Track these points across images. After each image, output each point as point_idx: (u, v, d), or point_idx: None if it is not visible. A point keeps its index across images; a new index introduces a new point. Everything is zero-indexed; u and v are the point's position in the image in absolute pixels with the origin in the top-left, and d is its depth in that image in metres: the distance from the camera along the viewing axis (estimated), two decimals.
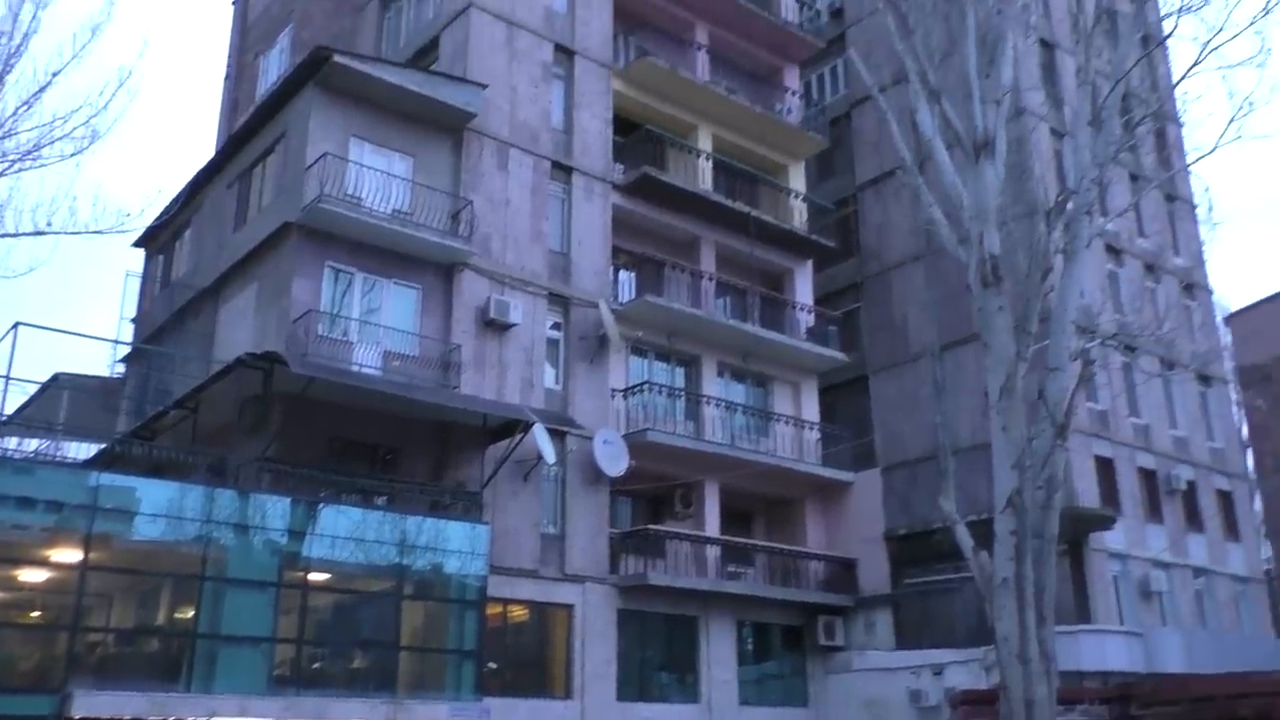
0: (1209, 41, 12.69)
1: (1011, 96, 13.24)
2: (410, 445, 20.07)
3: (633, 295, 24.61)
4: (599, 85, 24.95)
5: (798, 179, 29.32)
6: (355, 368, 19.15)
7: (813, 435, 26.95)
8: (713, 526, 24.39)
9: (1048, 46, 30.03)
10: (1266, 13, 12.76)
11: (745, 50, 29.16)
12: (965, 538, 11.69)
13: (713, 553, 24.02)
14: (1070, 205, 12.81)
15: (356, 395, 18.42)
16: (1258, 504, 37.30)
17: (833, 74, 33.52)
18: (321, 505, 17.29)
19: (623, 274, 25.18)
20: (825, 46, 30.80)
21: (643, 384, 23.98)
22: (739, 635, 24.22)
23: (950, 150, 12.98)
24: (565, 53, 24.56)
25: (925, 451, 26.30)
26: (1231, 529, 30.85)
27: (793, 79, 30.25)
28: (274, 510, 16.77)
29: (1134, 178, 30.73)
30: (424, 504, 19.01)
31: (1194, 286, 33.05)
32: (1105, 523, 25.09)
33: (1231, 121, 13.08)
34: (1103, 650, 21.65)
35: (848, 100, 32.24)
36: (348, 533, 17.34)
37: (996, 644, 10.77)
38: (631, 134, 25.66)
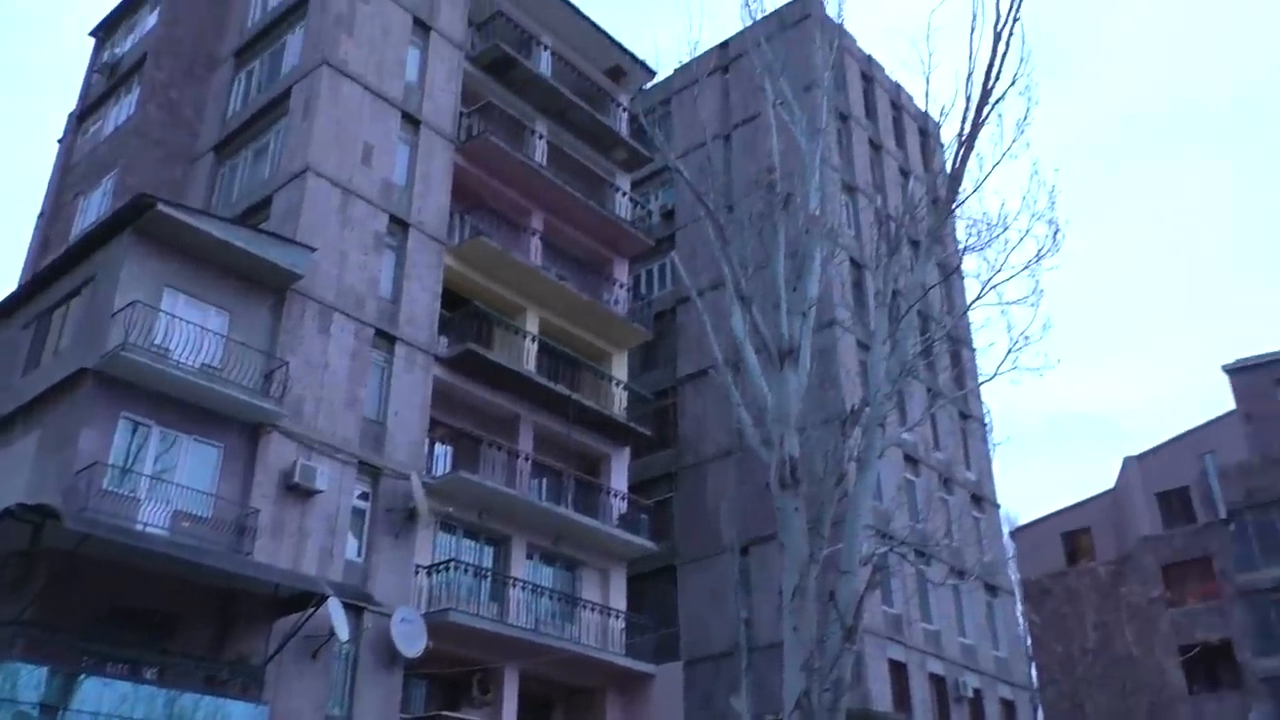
0: (989, 280, 13.98)
1: (817, 309, 14.13)
2: (191, 613, 18.75)
3: (448, 469, 24.26)
4: (431, 259, 25.24)
5: (620, 367, 30.06)
6: (139, 527, 17.97)
7: (618, 624, 26.66)
8: (510, 714, 23.49)
9: (857, 266, 32.38)
10: (1038, 259, 14.19)
11: (578, 240, 30.23)
12: None
13: None
14: (865, 416, 13.53)
15: (136, 556, 17.22)
16: (1040, 715, 38.67)
17: (661, 271, 35.07)
18: (83, 676, 15.82)
19: (439, 448, 24.86)
20: (655, 244, 32.27)
21: (448, 561, 23.36)
22: None
23: (759, 355, 13.66)
24: (400, 224, 24.84)
25: (729, 646, 26.35)
26: None
27: (622, 272, 31.42)
28: (27, 680, 15.23)
29: (931, 393, 32.92)
30: (199, 678, 17.66)
31: (982, 500, 35.10)
32: None
33: (1009, 353, 14.21)
34: None
35: (674, 296, 33.70)
36: (112, 708, 15.85)
37: None
38: (459, 309, 25.91)
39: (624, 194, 32.25)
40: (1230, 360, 42.94)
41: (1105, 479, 46.94)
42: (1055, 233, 14.00)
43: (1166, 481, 43.11)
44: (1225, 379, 42.79)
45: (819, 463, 13.36)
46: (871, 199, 34.65)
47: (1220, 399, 42.94)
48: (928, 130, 37.76)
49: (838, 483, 12.95)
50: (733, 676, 25.17)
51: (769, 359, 13.44)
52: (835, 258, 27.64)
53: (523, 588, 24.78)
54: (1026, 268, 14.13)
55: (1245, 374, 42.36)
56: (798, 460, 12.65)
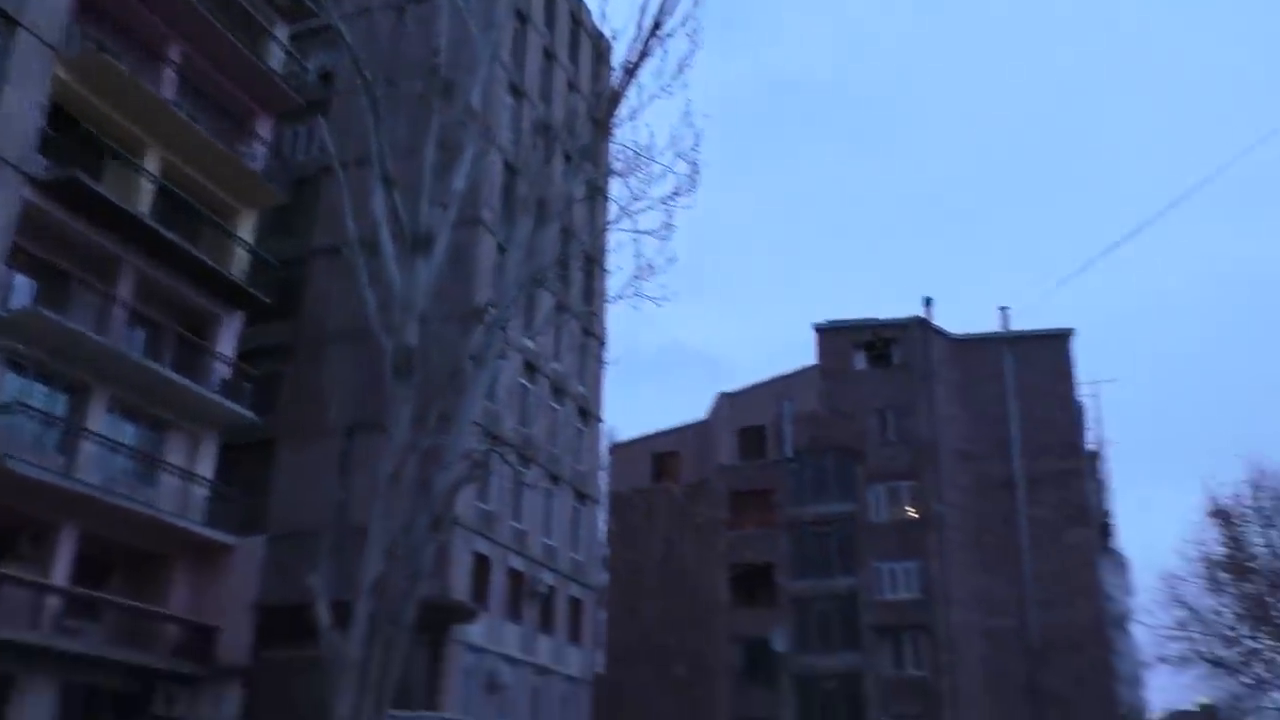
0: (628, 206, 14.60)
1: (462, 205, 14.08)
2: None
3: (28, 303, 21.75)
4: (39, 65, 22.20)
5: (248, 228, 28.26)
6: None
7: (201, 492, 25.47)
8: (61, 574, 21.83)
9: (510, 170, 32.51)
10: (675, 196, 15.00)
11: (221, 85, 27.84)
12: (324, 615, 11.71)
13: (53, 604, 21.42)
14: (491, 316, 13.76)
15: None
16: (602, 615, 41.91)
17: (309, 135, 33.18)
18: None
19: (19, 278, 22.20)
20: (306, 106, 30.41)
21: (11, 403, 21.09)
22: (64, 701, 21.63)
23: (395, 240, 13.42)
24: (7, 19, 21.60)
25: (319, 525, 26.07)
26: (575, 634, 34.27)
27: (265, 128, 29.39)
28: None
29: (559, 306, 33.97)
30: None
31: (589, 413, 37.00)
32: (468, 616, 26.54)
33: (635, 279, 14.96)
34: None
35: (318, 164, 32.06)
36: None
37: None
38: (69, 132, 23.08)
39: (280, 44, 30.04)
40: (820, 320, 47.99)
41: (699, 410, 51.13)
42: (693, 174, 14.82)
43: (749, 419, 47.66)
44: (813, 336, 47.78)
45: (436, 355, 13.44)
46: (535, 106, 34.81)
47: (807, 353, 47.88)
48: (601, 51, 38.42)
49: (452, 377, 13.11)
50: (318, 555, 24.97)
51: (404, 246, 13.26)
52: (488, 156, 27.59)
53: (97, 442, 22.95)
54: (663, 201, 14.89)
55: (829, 334, 47.55)
56: (415, 350, 12.67)
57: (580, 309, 36.17)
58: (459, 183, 13.62)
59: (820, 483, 45.26)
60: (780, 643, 42.27)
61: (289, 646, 24.54)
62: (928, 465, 43.92)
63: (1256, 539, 38.47)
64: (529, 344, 31.60)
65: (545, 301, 30.92)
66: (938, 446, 44.29)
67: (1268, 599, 37.50)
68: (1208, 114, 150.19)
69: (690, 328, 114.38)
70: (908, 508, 43.99)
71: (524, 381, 32.44)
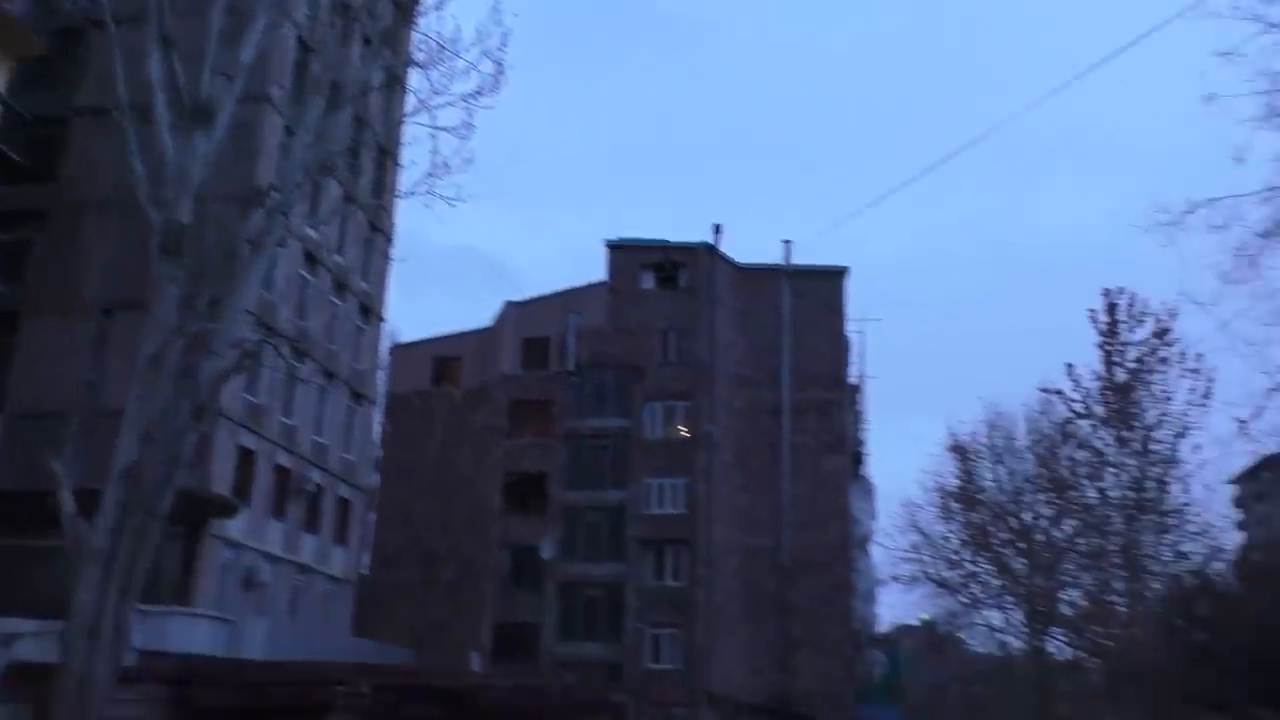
0: (424, 100, 14.08)
1: (250, 79, 13.19)
2: None
3: None
4: None
5: (0, 78, 25.44)
6: None
7: None
8: None
9: (305, 48, 30.67)
10: (477, 94, 14.57)
11: None
12: (69, 502, 11.02)
13: None
14: (273, 200, 13.06)
15: None
16: (371, 517, 41.42)
17: None
18: None
19: None
20: None
21: None
22: None
23: (172, 108, 12.46)
24: None
25: (70, 407, 24.38)
26: (342, 535, 33.78)
27: None
28: None
29: (346, 197, 32.64)
30: None
31: (370, 311, 36.01)
32: (228, 511, 25.66)
33: (429, 176, 14.50)
34: (192, 633, 21.91)
35: (89, 16, 29.15)
36: None
37: (70, 617, 10.28)
38: None
39: None
40: (612, 237, 48.29)
41: (485, 317, 50.71)
42: (498, 74, 14.42)
43: (534, 330, 47.71)
44: (604, 252, 48.09)
45: (210, 236, 12.67)
46: None
47: (597, 268, 48.16)
48: None
49: (226, 261, 12.41)
50: (63, 438, 23.39)
51: (181, 115, 12.34)
52: (281, 29, 25.91)
53: None
54: (464, 99, 14.44)
55: (620, 252, 47.97)
56: (187, 228, 11.90)
57: (368, 202, 34.89)
58: (247, 54, 12.75)
59: (600, 397, 46.06)
60: (548, 550, 43.19)
61: (26, 534, 23.03)
62: (704, 387, 45.41)
63: (986, 474, 42.12)
64: (312, 234, 30.30)
65: (332, 190, 29.62)
66: (715, 370, 45.82)
67: (990, 528, 41.25)
68: (991, 78, 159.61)
69: (481, 233, 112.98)
70: (681, 427, 45.46)
71: (304, 273, 31.15)
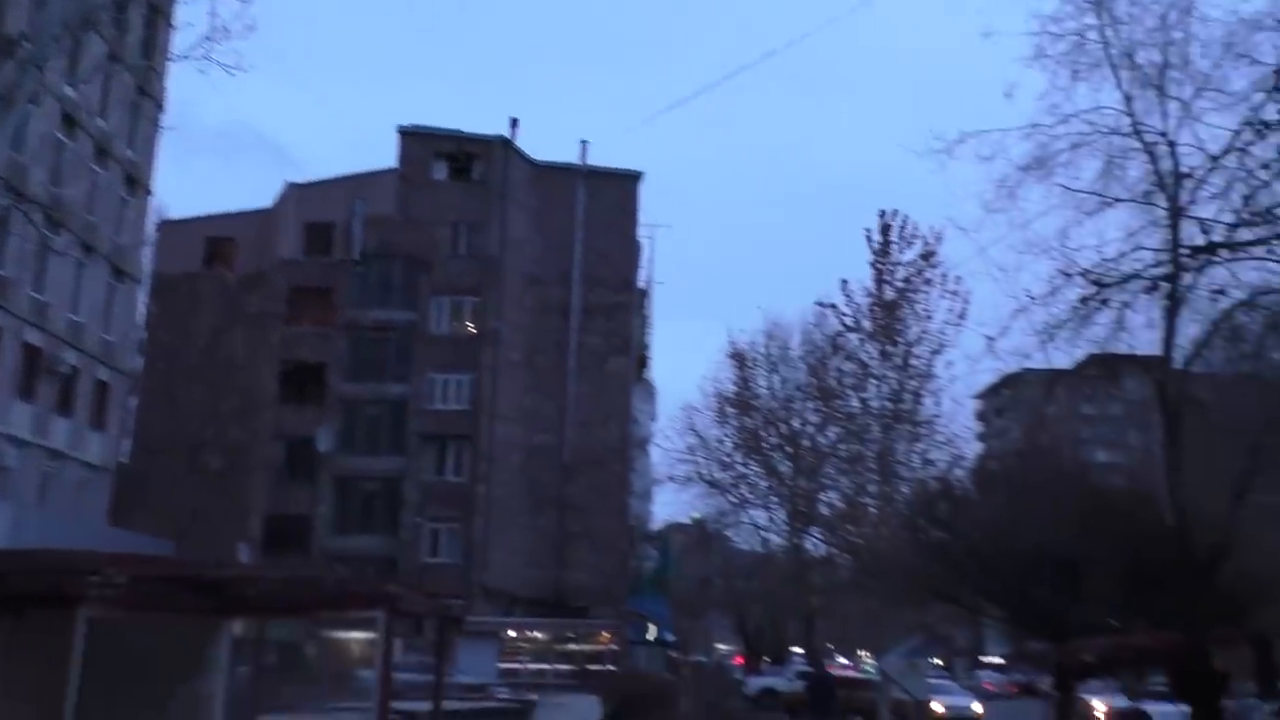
0: None
1: None
2: None
3: None
4: None
5: None
6: None
7: None
8: None
9: None
10: None
11: None
12: None
13: None
14: (25, 51, 11.82)
15: None
16: (133, 401, 39.11)
17: None
18: None
19: None
20: None
21: None
22: None
23: None
24: None
25: None
26: (99, 419, 31.81)
27: None
28: None
29: (115, 58, 29.92)
30: None
31: (136, 182, 33.47)
32: None
33: (206, 40, 13.43)
34: None
35: None
36: None
37: None
38: None
39: None
40: (404, 123, 46.56)
41: (263, 198, 48.02)
42: None
43: (317, 214, 45.69)
44: (395, 138, 46.38)
45: None
46: None
47: (386, 154, 46.41)
48: None
49: None
50: None
51: None
52: None
53: None
54: None
55: (412, 139, 46.35)
56: None
57: (137, 63, 32.10)
58: None
59: (385, 288, 44.91)
60: (325, 442, 42.19)
61: None
62: (493, 284, 44.97)
63: (761, 381, 44.13)
64: (70, 93, 27.67)
65: (95, 47, 27.08)
66: (505, 267, 45.42)
67: (761, 433, 43.39)
68: None
69: (263, 109, 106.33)
70: (468, 323, 45.01)
71: (61, 135, 28.51)
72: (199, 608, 8.60)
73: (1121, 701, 31.08)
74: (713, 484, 46.04)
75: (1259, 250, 10.75)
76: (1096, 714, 28.70)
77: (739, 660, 65.48)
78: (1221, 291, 12.45)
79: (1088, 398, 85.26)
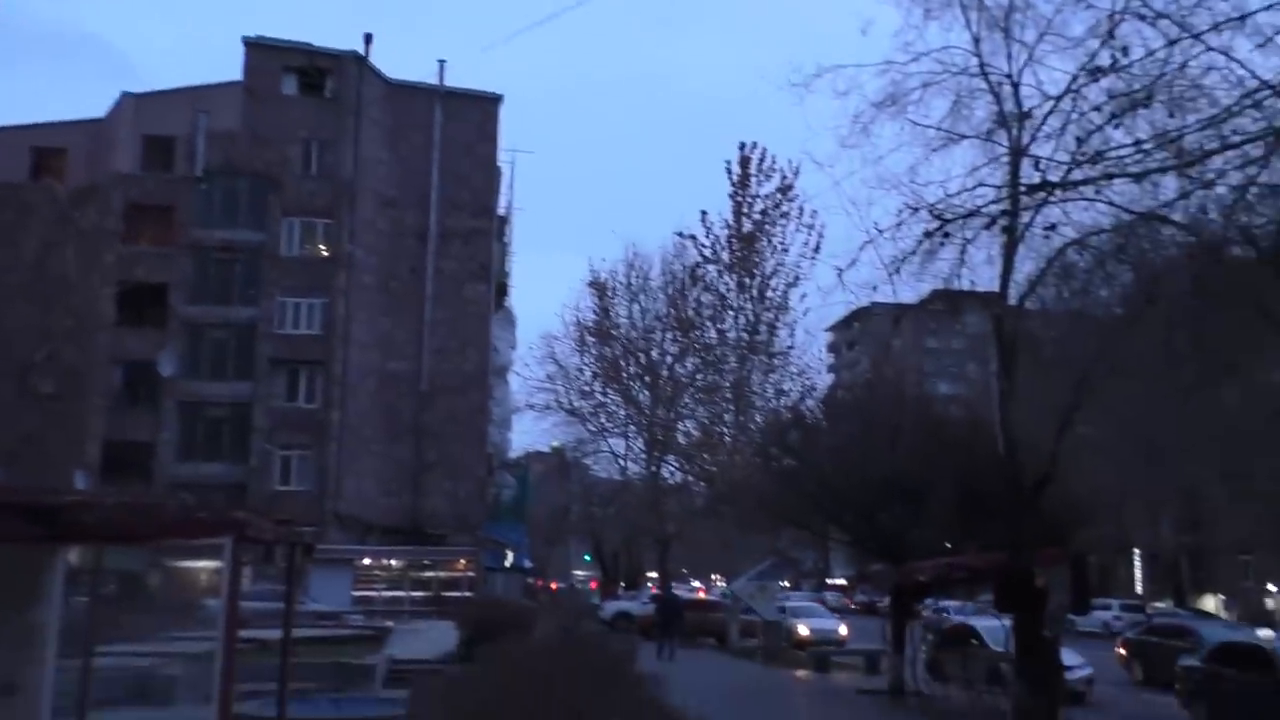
0: None
1: None
2: None
3: None
4: None
5: None
6: None
7: None
8: None
9: None
10: None
11: None
12: None
13: None
14: None
15: None
16: None
17: None
18: None
19: None
20: None
21: None
22: None
23: None
24: None
25: None
26: None
27: None
28: None
29: None
30: None
31: None
32: None
33: None
34: None
35: None
36: None
37: None
38: None
39: None
40: (250, 34, 44.24)
41: (96, 108, 45.08)
42: None
43: (158, 127, 43.22)
44: (241, 49, 44.05)
45: None
46: None
47: (232, 67, 44.07)
48: None
49: None
50: None
51: None
52: None
53: None
54: None
55: (259, 51, 44.11)
56: None
57: None
58: None
59: (231, 208, 43.04)
60: (168, 367, 40.43)
61: None
62: (346, 205, 43.58)
63: (622, 311, 44.40)
64: None
65: None
66: (359, 188, 44.04)
67: (621, 362, 43.80)
68: None
69: (98, 10, 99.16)
70: (321, 245, 43.61)
71: None
72: (31, 535, 8.19)
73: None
74: (572, 412, 46.37)
75: (1090, 191, 11.29)
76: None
77: (595, 585, 66.68)
78: (1054, 229, 13.03)
79: (932, 332, 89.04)
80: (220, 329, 42.33)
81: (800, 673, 25.97)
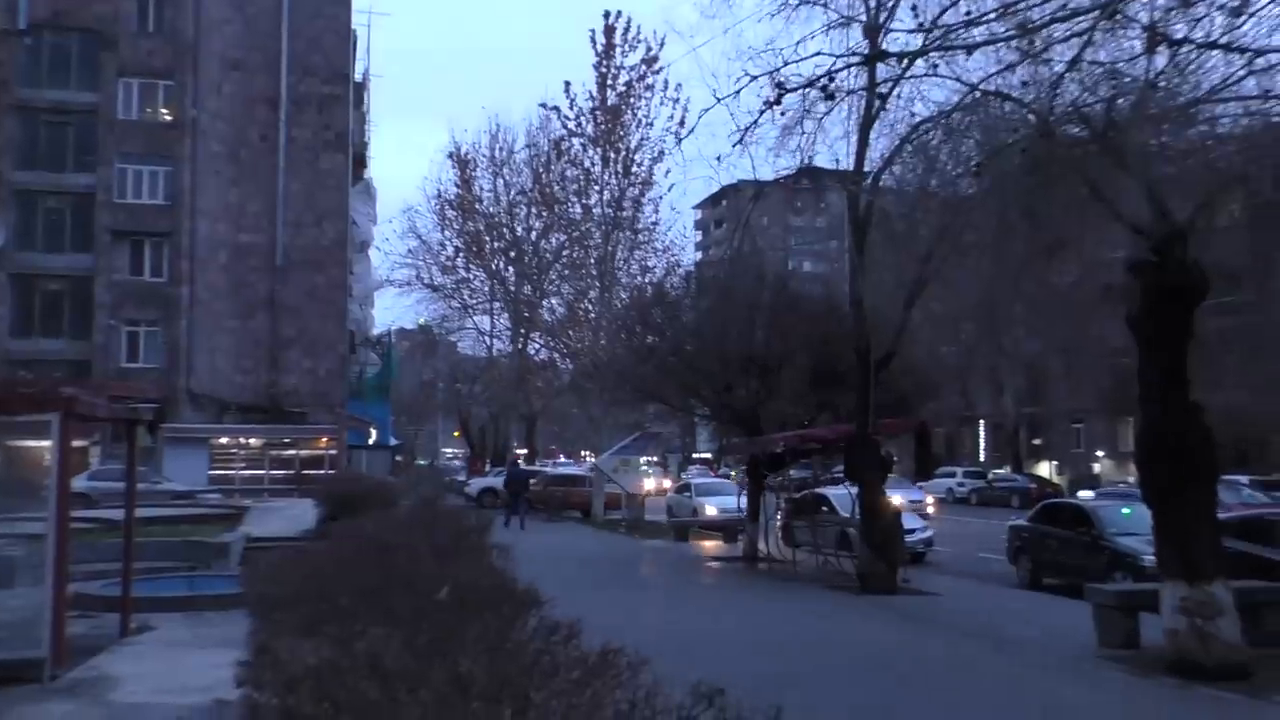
0: None
1: None
2: None
3: None
4: None
5: None
6: None
7: None
8: None
9: None
10: None
11: None
12: None
13: None
14: None
15: None
16: None
17: None
18: None
19: None
20: None
21: None
22: None
23: None
24: None
25: None
26: None
27: None
28: None
29: None
30: None
31: None
32: None
33: None
34: None
35: None
36: None
37: None
38: None
39: None
40: None
41: None
42: None
43: None
44: None
45: None
46: None
47: None
48: None
49: None
50: None
51: None
52: None
53: None
54: None
55: None
56: None
57: None
58: None
59: (61, 66, 39.96)
60: None
61: None
62: (188, 66, 40.88)
63: (485, 184, 43.42)
64: None
65: None
66: (202, 48, 41.33)
67: (485, 237, 43.03)
68: None
69: None
70: (162, 109, 41.02)
71: None
72: None
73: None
74: (435, 289, 45.59)
75: (945, 70, 11.38)
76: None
77: (462, 463, 66.92)
78: (910, 108, 13.16)
79: (797, 210, 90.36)
80: (54, 197, 39.79)
81: (660, 543, 26.75)
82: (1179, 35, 8.78)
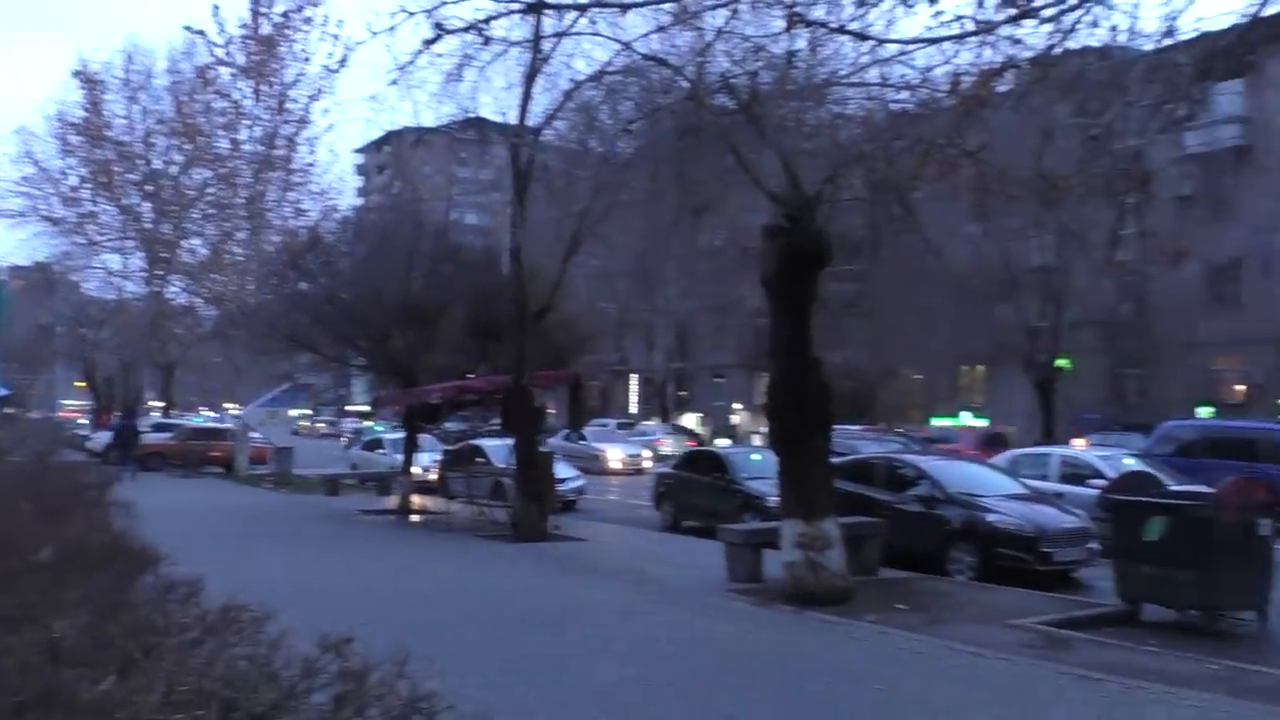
0: None
1: None
2: None
3: None
4: None
5: None
6: None
7: None
8: None
9: None
10: None
11: None
12: None
13: None
14: None
15: None
16: None
17: None
18: None
19: None
20: None
21: None
22: None
23: None
24: None
25: None
26: None
27: None
28: None
29: None
30: None
31: None
32: None
33: None
34: None
35: None
36: None
37: None
38: None
39: None
40: None
41: None
42: None
43: None
44: None
45: None
46: None
47: None
48: None
49: None
50: None
51: None
52: None
53: None
54: None
55: None
56: None
57: None
58: None
59: None
60: None
61: None
62: None
63: (119, 110, 39.28)
64: None
65: None
66: None
67: (115, 168, 39.01)
68: None
69: None
70: None
71: None
72: None
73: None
74: (54, 222, 40.78)
75: (606, 30, 11.58)
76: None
77: (82, 415, 60.93)
78: (571, 64, 13.28)
79: (461, 161, 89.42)
80: None
81: (310, 498, 25.76)
82: (814, 18, 9.45)
